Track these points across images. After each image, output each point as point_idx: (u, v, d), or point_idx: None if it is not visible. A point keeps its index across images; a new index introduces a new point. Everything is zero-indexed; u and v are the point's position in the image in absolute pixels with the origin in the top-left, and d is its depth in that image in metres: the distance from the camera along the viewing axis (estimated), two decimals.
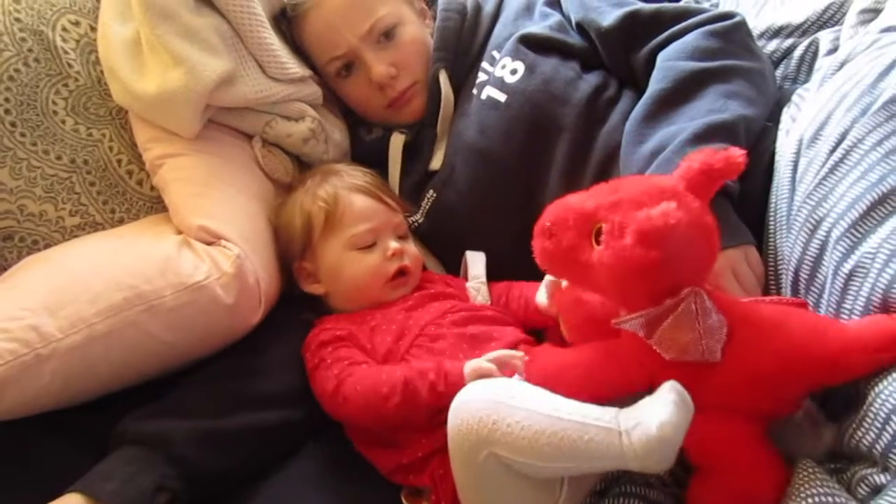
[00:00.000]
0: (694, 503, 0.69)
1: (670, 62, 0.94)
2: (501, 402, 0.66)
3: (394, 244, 0.95)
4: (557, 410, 0.65)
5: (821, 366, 0.63)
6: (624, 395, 0.67)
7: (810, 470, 0.63)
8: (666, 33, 0.98)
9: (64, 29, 1.01)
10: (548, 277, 0.89)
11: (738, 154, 0.65)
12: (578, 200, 0.70)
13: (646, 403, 0.62)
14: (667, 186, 0.66)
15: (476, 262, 1.02)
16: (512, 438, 0.64)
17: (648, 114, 0.91)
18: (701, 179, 0.66)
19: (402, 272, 0.95)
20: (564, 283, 0.82)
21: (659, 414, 0.60)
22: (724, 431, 0.66)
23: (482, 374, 0.74)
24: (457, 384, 0.73)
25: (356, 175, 1.00)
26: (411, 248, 0.99)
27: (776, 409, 0.66)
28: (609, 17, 1.00)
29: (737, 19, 0.97)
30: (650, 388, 0.64)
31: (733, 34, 0.96)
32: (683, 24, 0.97)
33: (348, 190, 0.97)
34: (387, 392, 0.78)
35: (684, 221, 0.61)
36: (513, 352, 0.80)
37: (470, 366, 0.76)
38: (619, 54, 1.02)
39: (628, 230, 0.62)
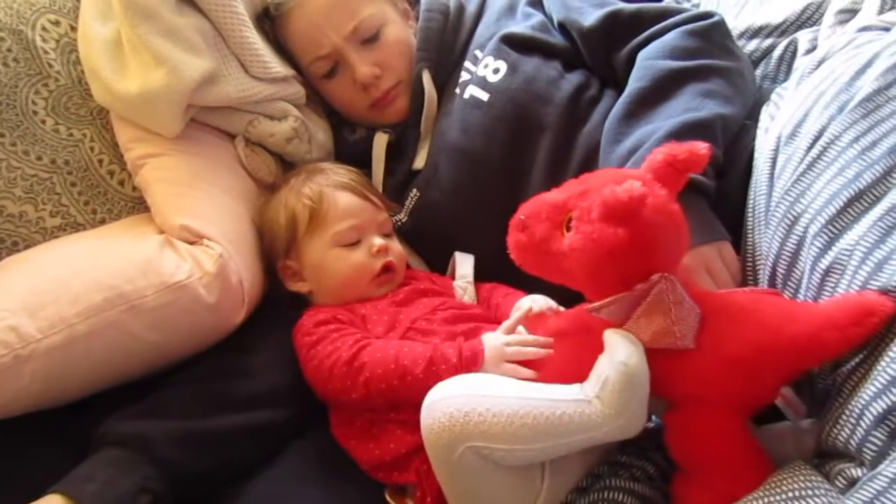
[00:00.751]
0: (679, 500, 0.69)
1: (649, 61, 0.95)
2: (469, 395, 0.67)
3: (378, 240, 0.95)
4: (526, 392, 0.66)
5: (794, 347, 0.63)
6: None
7: (796, 465, 0.63)
8: (646, 33, 0.98)
9: (44, 28, 1.00)
10: (517, 307, 0.87)
11: (701, 147, 0.67)
12: (552, 195, 0.72)
13: (598, 362, 0.64)
14: (634, 175, 0.68)
15: (464, 261, 1.02)
16: (486, 426, 0.65)
17: (627, 112, 0.92)
18: (666, 171, 0.67)
19: (387, 269, 0.95)
20: (535, 305, 0.83)
21: (612, 359, 0.62)
22: (706, 427, 0.66)
23: (505, 371, 0.74)
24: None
25: (341, 173, 1.01)
26: (396, 245, 0.99)
27: (754, 398, 0.67)
28: (590, 16, 1.01)
29: (715, 19, 0.98)
30: None
31: (712, 34, 0.97)
32: (663, 23, 0.98)
33: (333, 187, 0.97)
34: (408, 364, 0.78)
35: (650, 202, 0.62)
36: (532, 337, 0.78)
37: (492, 360, 0.76)
38: (600, 54, 1.03)
39: (594, 206, 0.64)
